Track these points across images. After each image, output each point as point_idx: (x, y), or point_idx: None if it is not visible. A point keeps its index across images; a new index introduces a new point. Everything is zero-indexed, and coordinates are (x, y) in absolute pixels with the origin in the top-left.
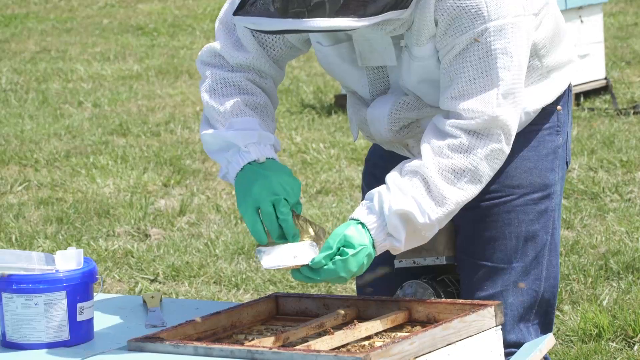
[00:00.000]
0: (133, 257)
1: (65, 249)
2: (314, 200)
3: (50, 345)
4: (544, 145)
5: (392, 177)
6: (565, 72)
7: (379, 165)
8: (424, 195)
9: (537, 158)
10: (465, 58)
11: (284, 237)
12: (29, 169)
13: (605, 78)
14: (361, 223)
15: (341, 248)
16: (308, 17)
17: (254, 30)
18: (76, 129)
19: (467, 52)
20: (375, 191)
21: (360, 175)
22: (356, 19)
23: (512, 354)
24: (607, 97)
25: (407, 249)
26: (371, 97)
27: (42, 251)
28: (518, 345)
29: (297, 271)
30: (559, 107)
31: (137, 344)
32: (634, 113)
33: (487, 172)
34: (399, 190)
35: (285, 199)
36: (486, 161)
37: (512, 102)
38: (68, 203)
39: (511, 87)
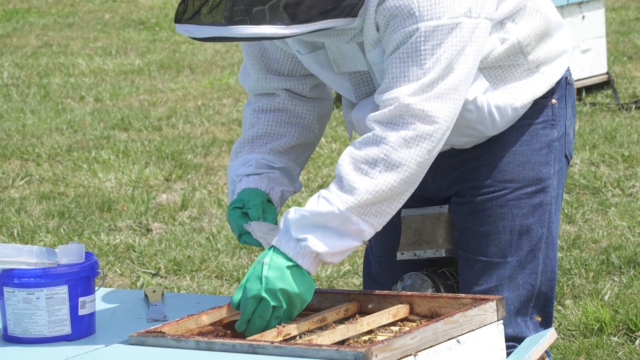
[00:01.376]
0: (135, 251)
1: (67, 243)
2: None
3: (52, 340)
4: (537, 140)
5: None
6: (557, 65)
7: None
8: (333, 189)
9: (530, 152)
10: (395, 55)
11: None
12: (30, 164)
13: (607, 73)
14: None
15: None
16: (233, 25)
17: (189, 37)
18: (78, 123)
19: (397, 50)
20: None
21: None
22: (283, 26)
23: (510, 347)
24: (609, 91)
25: (332, 248)
26: (357, 101)
27: (44, 245)
28: (515, 339)
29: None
30: (553, 101)
31: (138, 338)
32: (635, 108)
33: (409, 158)
34: (311, 200)
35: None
36: (402, 149)
37: (434, 96)
38: (70, 197)
39: (434, 83)
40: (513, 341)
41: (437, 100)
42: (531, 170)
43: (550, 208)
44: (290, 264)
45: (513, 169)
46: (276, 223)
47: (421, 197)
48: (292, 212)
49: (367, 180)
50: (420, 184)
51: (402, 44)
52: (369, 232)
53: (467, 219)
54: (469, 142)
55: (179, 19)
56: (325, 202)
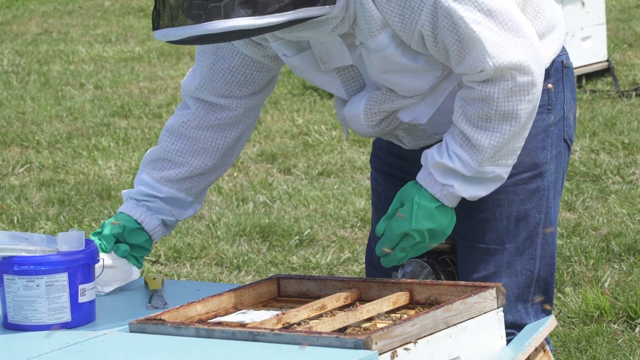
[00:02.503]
0: None
1: (67, 230)
2: (315, 182)
3: (52, 327)
4: (533, 125)
5: (445, 134)
6: (547, 43)
7: (384, 148)
8: (464, 148)
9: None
10: (439, 32)
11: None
12: (30, 151)
13: (607, 60)
14: (415, 181)
15: (397, 208)
16: (206, 21)
17: (166, 42)
18: (78, 110)
19: (437, 28)
20: (427, 149)
21: (362, 157)
22: (257, 17)
23: (511, 334)
24: (609, 79)
25: (477, 196)
26: (349, 97)
27: (44, 233)
28: (515, 326)
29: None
30: (549, 86)
31: (138, 326)
32: (635, 95)
33: (516, 107)
34: (444, 144)
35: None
36: (508, 100)
37: (505, 43)
38: (70, 185)
39: (494, 32)
40: (513, 328)
41: (512, 46)
42: (527, 155)
43: (548, 193)
44: (438, 204)
45: None
46: (126, 253)
47: None
48: (430, 158)
49: (489, 134)
50: (418, 171)
51: (435, 20)
52: (506, 170)
53: (465, 206)
54: None
55: (155, 26)
56: (458, 159)
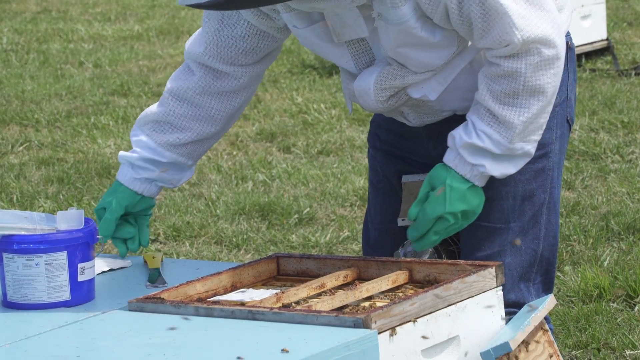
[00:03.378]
0: None
1: (66, 209)
2: (315, 161)
3: (51, 306)
4: None
5: (469, 111)
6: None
7: (382, 126)
8: (493, 126)
9: None
10: (465, 5)
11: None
12: (29, 129)
13: (607, 39)
14: (443, 163)
15: (429, 192)
16: None
17: (185, 5)
18: (77, 89)
19: (464, 1)
20: (453, 130)
21: (362, 136)
22: None
23: (512, 313)
24: (609, 58)
25: (507, 173)
26: (358, 71)
27: (43, 211)
28: (518, 304)
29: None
30: None
31: (137, 304)
32: (635, 74)
33: (543, 82)
34: (470, 124)
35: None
36: (535, 75)
37: (530, 15)
38: (69, 163)
39: (520, 5)
40: (516, 307)
41: (536, 19)
42: None
43: (553, 173)
44: (469, 185)
45: None
46: (133, 235)
47: (422, 163)
48: (458, 140)
49: (517, 110)
50: (422, 150)
51: None
52: (534, 146)
53: None
54: (470, 106)
55: None
56: (487, 138)
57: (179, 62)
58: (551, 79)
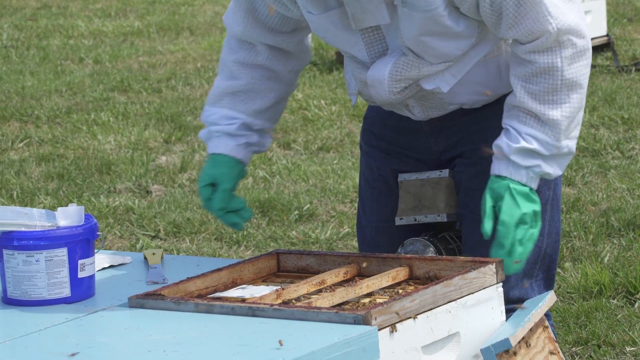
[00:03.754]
0: (134, 213)
1: (67, 205)
2: (315, 157)
3: (51, 302)
4: None
5: (504, 118)
6: None
7: (377, 122)
8: (537, 128)
9: None
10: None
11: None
12: (30, 126)
13: (607, 35)
14: (496, 175)
15: (494, 206)
16: None
17: None
18: (77, 85)
19: None
20: (494, 143)
21: None
22: None
23: (516, 310)
24: (609, 54)
25: (556, 175)
26: (370, 60)
27: (43, 208)
28: (521, 301)
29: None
30: None
31: (138, 301)
32: (635, 70)
33: (579, 73)
34: (513, 130)
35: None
36: (571, 67)
37: (563, 5)
38: (69, 159)
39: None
40: (519, 303)
41: (568, 10)
42: None
43: None
44: (528, 187)
45: None
46: (244, 204)
47: (420, 160)
48: (507, 148)
49: (559, 106)
50: (421, 146)
51: None
52: (575, 143)
53: (475, 180)
54: (479, 100)
55: None
56: (535, 140)
57: (179, 58)
58: (585, 70)
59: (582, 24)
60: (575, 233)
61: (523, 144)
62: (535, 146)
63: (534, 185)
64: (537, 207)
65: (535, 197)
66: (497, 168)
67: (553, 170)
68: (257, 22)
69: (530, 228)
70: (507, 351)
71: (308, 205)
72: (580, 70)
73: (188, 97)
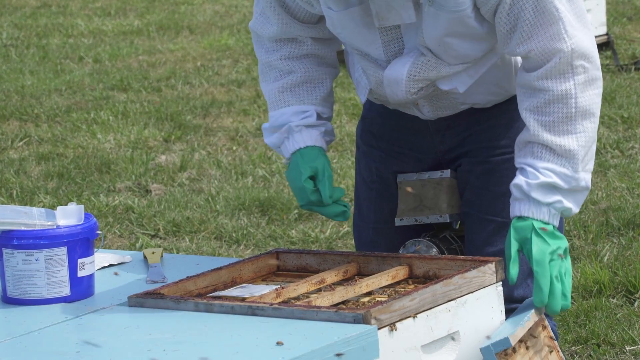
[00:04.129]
0: (134, 212)
1: (66, 204)
2: None
3: (51, 301)
4: None
5: (517, 157)
6: None
7: (377, 123)
8: (554, 161)
9: None
10: (517, 4)
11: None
12: (29, 124)
13: (607, 34)
14: (517, 217)
15: (518, 250)
16: None
17: None
18: (77, 84)
19: (518, 1)
20: (512, 183)
21: None
22: None
23: None
24: (609, 53)
25: (575, 212)
26: (386, 59)
27: (43, 207)
28: (525, 300)
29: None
30: None
31: (137, 300)
32: (635, 69)
33: (592, 102)
34: (528, 167)
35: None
36: (584, 95)
37: (578, 27)
38: (69, 158)
39: (571, 15)
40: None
41: (583, 34)
42: None
43: None
44: (552, 226)
45: None
46: (344, 193)
47: (421, 159)
48: (526, 186)
49: (574, 136)
50: (425, 145)
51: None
52: (590, 175)
53: (482, 178)
54: (492, 100)
55: None
56: (553, 174)
57: (178, 57)
58: (597, 99)
59: (596, 53)
60: (575, 232)
61: (542, 178)
62: (554, 179)
63: (557, 223)
64: (565, 243)
65: (560, 234)
66: (518, 209)
67: (573, 206)
68: (291, 17)
69: (563, 262)
70: (506, 350)
71: None
72: (593, 98)
73: (188, 96)
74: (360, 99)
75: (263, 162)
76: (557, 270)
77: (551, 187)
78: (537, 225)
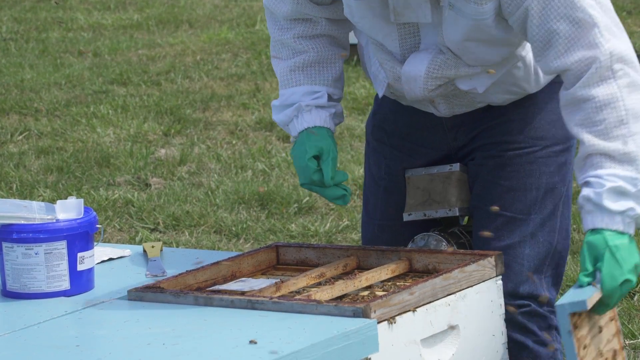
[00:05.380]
0: (133, 206)
1: (66, 198)
2: None
3: (51, 295)
4: None
5: (579, 175)
6: None
7: (388, 119)
8: (616, 166)
9: (560, 110)
10: (548, 15)
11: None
12: (29, 118)
13: None
14: (592, 229)
15: (596, 265)
16: None
17: None
18: (76, 78)
19: (548, 9)
20: (580, 197)
21: (361, 125)
22: None
23: (526, 306)
24: None
25: None
26: (401, 53)
27: (43, 200)
28: (532, 296)
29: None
30: None
31: (137, 294)
32: None
33: (638, 102)
34: (595, 178)
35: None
36: (630, 97)
37: (614, 31)
38: (68, 152)
39: (606, 19)
40: (529, 299)
41: (618, 38)
42: (561, 128)
43: (571, 167)
44: (627, 236)
45: (544, 126)
46: (346, 177)
47: (432, 155)
48: (596, 197)
49: (632, 139)
50: (437, 141)
51: (546, 1)
52: None
53: (493, 172)
54: (509, 99)
55: None
56: (618, 178)
57: (178, 51)
58: None
59: (635, 57)
60: (574, 226)
61: (609, 185)
62: (620, 183)
63: (632, 231)
64: (638, 259)
65: (635, 248)
66: (590, 222)
67: None
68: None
69: (633, 281)
70: (580, 313)
71: (307, 198)
72: (639, 102)
73: (187, 90)
74: (377, 93)
75: (262, 156)
76: (626, 290)
77: (620, 193)
78: (611, 243)
